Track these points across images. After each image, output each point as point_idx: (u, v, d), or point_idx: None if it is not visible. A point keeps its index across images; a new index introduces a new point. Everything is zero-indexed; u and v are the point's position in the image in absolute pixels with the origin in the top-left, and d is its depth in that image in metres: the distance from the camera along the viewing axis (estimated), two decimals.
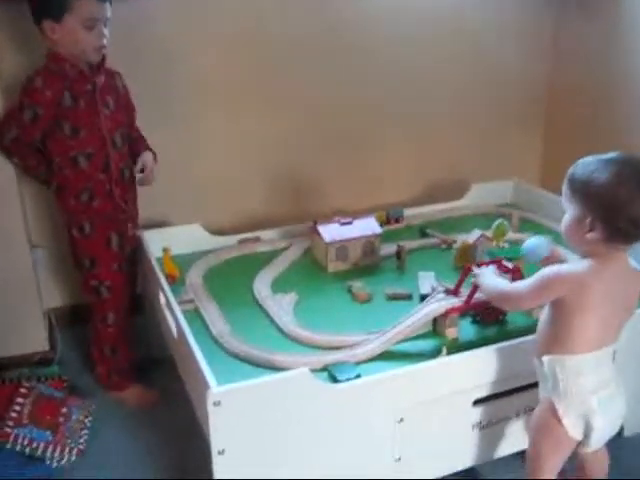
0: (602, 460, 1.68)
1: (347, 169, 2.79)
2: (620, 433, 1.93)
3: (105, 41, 1.92)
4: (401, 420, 1.61)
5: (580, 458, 1.65)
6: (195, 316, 1.89)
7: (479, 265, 1.78)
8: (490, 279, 1.65)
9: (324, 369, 1.63)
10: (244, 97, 2.53)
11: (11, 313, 2.19)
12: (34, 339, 2.26)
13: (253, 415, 1.45)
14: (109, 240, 2.05)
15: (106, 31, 1.92)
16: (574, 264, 1.46)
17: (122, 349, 2.13)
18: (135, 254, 2.20)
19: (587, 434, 1.51)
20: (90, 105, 1.95)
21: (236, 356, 1.72)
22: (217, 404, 1.40)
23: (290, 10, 2.50)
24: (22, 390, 1.98)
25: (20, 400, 1.95)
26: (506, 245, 2.22)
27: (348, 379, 1.57)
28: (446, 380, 1.63)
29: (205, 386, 1.42)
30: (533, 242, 1.65)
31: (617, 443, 1.70)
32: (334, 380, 1.58)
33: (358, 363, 1.67)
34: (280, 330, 1.84)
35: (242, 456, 1.47)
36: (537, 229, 2.44)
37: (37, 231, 2.33)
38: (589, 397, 1.48)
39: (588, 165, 1.44)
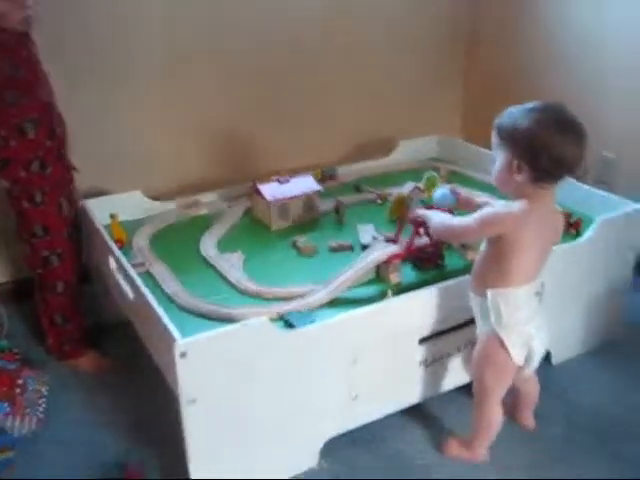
0: (535, 388, 1.87)
1: (279, 130, 2.85)
2: (549, 361, 2.11)
3: (30, 11, 1.89)
4: (355, 360, 1.72)
5: (515, 386, 1.82)
6: (147, 278, 1.93)
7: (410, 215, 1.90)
8: (437, 216, 1.75)
9: (280, 318, 1.71)
10: (178, 60, 2.55)
11: None
12: None
13: (218, 364, 1.53)
14: (60, 206, 2.05)
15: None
16: (508, 205, 1.59)
17: (74, 317, 2.16)
18: (77, 220, 2.19)
19: (528, 359, 1.67)
20: (29, 72, 1.93)
21: (192, 312, 1.77)
22: (183, 355, 1.47)
23: None
24: None
25: None
26: None
27: (304, 324, 1.66)
28: (394, 321, 1.75)
29: (171, 339, 1.48)
30: (438, 194, 1.84)
31: (546, 370, 1.87)
32: (291, 327, 1.67)
33: (311, 311, 1.76)
34: (232, 286, 1.91)
35: (211, 404, 1.55)
36: (463, 179, 2.58)
37: None
38: (527, 324, 1.64)
39: (512, 114, 1.57)
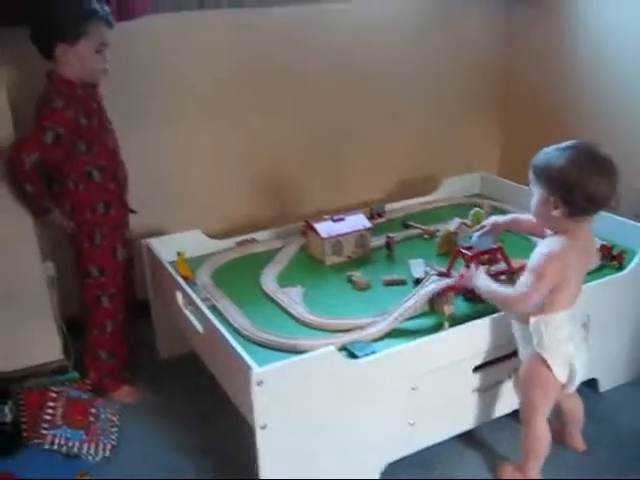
0: (578, 405, 1.96)
1: (327, 170, 3.01)
2: (596, 389, 2.19)
3: (108, 65, 2.08)
4: (414, 388, 1.82)
5: (561, 409, 1.93)
6: (214, 313, 2.04)
7: (463, 251, 2.02)
8: (485, 282, 1.85)
9: (342, 348, 1.81)
10: (227, 106, 2.71)
11: (26, 325, 2.27)
12: (49, 349, 2.36)
13: (290, 391, 1.64)
14: (115, 250, 2.20)
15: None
16: (552, 245, 1.69)
17: (118, 353, 2.29)
18: (129, 260, 2.33)
19: (570, 375, 1.78)
20: (99, 122, 2.10)
21: (260, 344, 1.88)
22: (260, 383, 1.58)
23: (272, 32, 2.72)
24: (52, 395, 2.10)
25: (51, 404, 2.07)
26: None
27: (366, 354, 1.76)
28: (450, 350, 1.85)
29: (247, 368, 1.60)
30: (476, 237, 2.05)
31: (594, 398, 1.95)
32: (353, 357, 1.77)
33: (371, 341, 1.87)
34: (295, 319, 2.02)
35: (281, 428, 1.66)
36: (504, 214, 2.68)
37: (47, 244, 2.44)
38: (567, 344, 1.75)
39: (547, 153, 1.71)
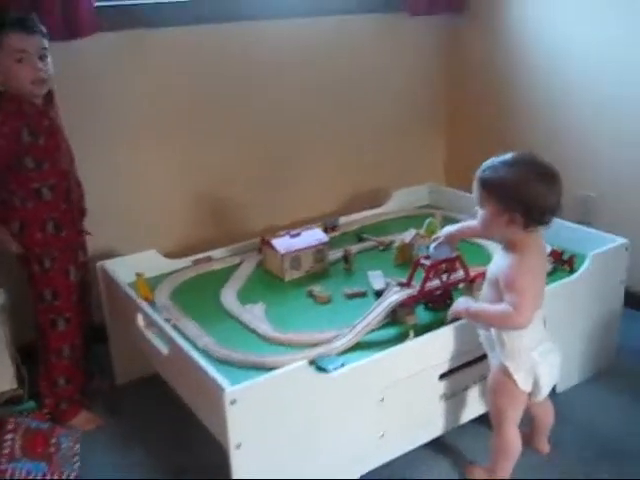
0: (548, 412, 2.00)
1: (277, 188, 3.02)
2: (553, 390, 2.25)
3: (43, 74, 1.99)
4: (382, 399, 1.83)
5: (531, 414, 1.96)
6: (177, 334, 2.01)
7: (422, 261, 2.06)
8: (476, 303, 1.85)
9: (311, 363, 1.80)
10: (174, 128, 2.70)
11: None
12: (2, 379, 2.29)
13: (263, 408, 1.63)
14: (68, 272, 2.15)
15: (44, 64, 1.99)
16: (516, 263, 1.71)
17: (75, 378, 2.22)
18: (84, 283, 2.28)
19: (535, 384, 1.81)
20: (49, 139, 2.04)
21: (226, 363, 1.87)
22: (233, 402, 1.57)
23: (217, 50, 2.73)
24: (9, 426, 2.03)
25: (9, 436, 2.00)
26: None
27: (335, 368, 1.77)
28: (416, 360, 1.88)
29: (219, 388, 1.58)
30: (433, 248, 2.05)
31: (551, 399, 2.01)
32: (322, 371, 1.77)
33: (338, 355, 1.87)
34: (259, 336, 2.01)
35: (256, 446, 1.65)
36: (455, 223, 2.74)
37: None
38: (530, 352, 1.78)
39: (496, 169, 1.71)
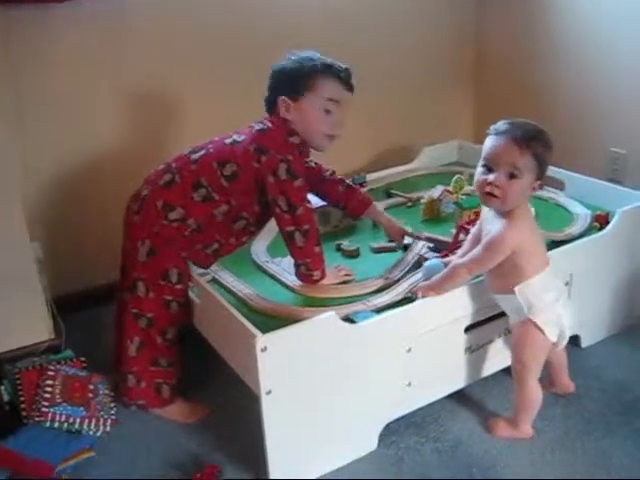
0: (561, 352, 2.03)
1: None
2: (579, 345, 2.28)
3: (339, 132, 1.95)
4: (409, 350, 1.88)
5: (549, 361, 2.00)
6: (214, 286, 2.04)
7: (465, 227, 2.09)
8: (427, 282, 1.92)
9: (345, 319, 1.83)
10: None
11: (15, 306, 2.27)
12: (40, 329, 2.37)
13: (292, 356, 1.69)
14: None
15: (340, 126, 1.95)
16: (511, 223, 1.77)
17: (177, 362, 2.10)
18: None
19: (560, 335, 1.86)
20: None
21: (263, 314, 1.91)
22: (264, 350, 1.62)
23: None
24: (49, 373, 2.11)
25: (50, 382, 2.08)
26: (464, 197, 2.50)
27: (364, 319, 1.81)
28: (443, 312, 1.92)
29: (251, 336, 1.64)
30: (428, 266, 2.01)
31: (577, 353, 2.03)
32: (351, 322, 1.82)
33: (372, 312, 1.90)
34: (288, 288, 2.06)
35: (285, 393, 1.71)
36: None
37: (34, 226, 2.42)
38: (555, 305, 1.83)
39: (541, 142, 1.74)
